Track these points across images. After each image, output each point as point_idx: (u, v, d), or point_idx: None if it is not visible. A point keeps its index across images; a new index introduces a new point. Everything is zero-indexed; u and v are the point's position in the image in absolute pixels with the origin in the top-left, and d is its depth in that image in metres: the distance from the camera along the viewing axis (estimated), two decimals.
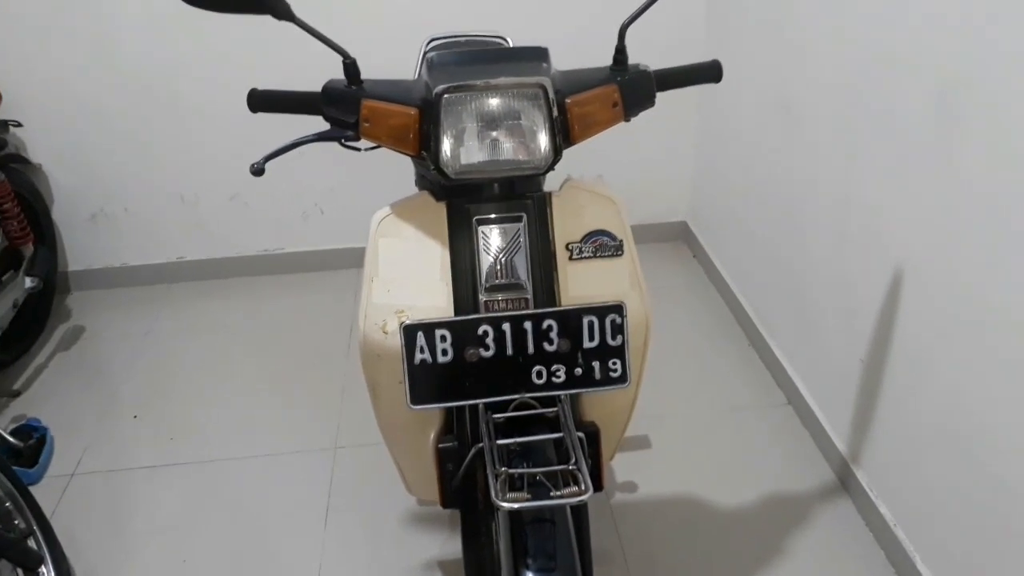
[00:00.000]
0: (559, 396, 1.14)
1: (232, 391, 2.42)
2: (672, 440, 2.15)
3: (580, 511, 1.19)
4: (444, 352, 1.07)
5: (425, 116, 1.10)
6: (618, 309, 1.09)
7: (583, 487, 1.01)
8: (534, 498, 1.00)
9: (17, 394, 2.43)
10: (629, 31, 1.14)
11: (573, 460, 1.05)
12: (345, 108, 1.13)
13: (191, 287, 3.00)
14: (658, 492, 1.98)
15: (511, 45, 1.86)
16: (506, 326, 1.07)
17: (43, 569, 1.66)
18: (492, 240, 1.15)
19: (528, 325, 1.08)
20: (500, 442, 1.09)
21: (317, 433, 2.22)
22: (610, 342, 1.09)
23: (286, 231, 3.00)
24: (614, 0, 1.65)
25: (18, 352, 2.55)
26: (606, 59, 1.18)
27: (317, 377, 2.45)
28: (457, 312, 1.15)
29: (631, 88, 1.15)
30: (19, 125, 2.62)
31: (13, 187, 2.45)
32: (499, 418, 1.14)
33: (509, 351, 1.08)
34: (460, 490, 1.27)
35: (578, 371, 1.09)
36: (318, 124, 1.19)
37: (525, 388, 1.09)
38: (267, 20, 1.11)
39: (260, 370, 2.51)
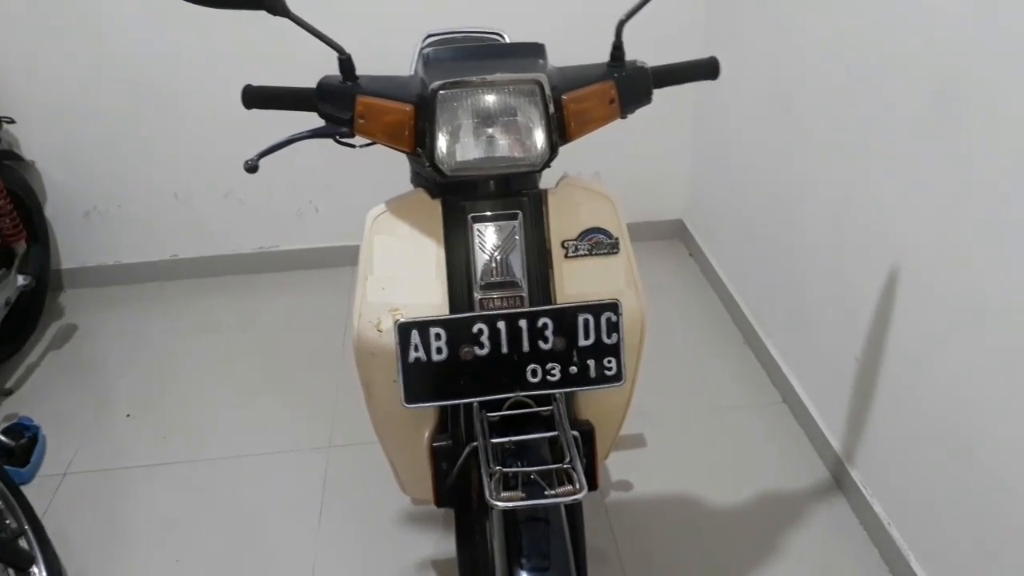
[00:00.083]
0: (554, 395, 1.13)
1: (226, 389, 2.41)
2: (667, 439, 2.14)
3: (575, 510, 1.19)
4: (439, 350, 1.06)
5: (421, 113, 1.09)
6: (613, 307, 1.08)
7: (578, 486, 1.00)
8: (528, 497, 1.00)
9: (9, 393, 2.42)
10: (626, 27, 1.14)
11: (568, 459, 1.04)
12: (340, 104, 1.12)
13: (185, 285, 2.98)
14: (653, 491, 1.98)
15: (507, 41, 1.85)
16: (501, 324, 1.07)
17: (34, 569, 1.65)
18: (487, 238, 1.15)
19: (523, 323, 1.07)
20: (494, 441, 1.08)
21: (311, 432, 2.22)
22: (605, 340, 1.09)
23: (281, 228, 2.99)
24: None
25: (10, 350, 2.54)
26: (603, 55, 1.18)
27: (311, 375, 2.45)
28: (452, 310, 1.15)
29: (628, 85, 1.15)
30: (12, 122, 2.61)
31: (6, 184, 2.43)
32: (494, 417, 1.13)
33: (504, 349, 1.07)
34: (454, 489, 1.26)
35: (573, 369, 1.09)
36: (313, 121, 1.19)
37: (520, 386, 1.09)
38: (262, 15, 1.10)
39: (254, 368, 2.50)
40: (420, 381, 1.07)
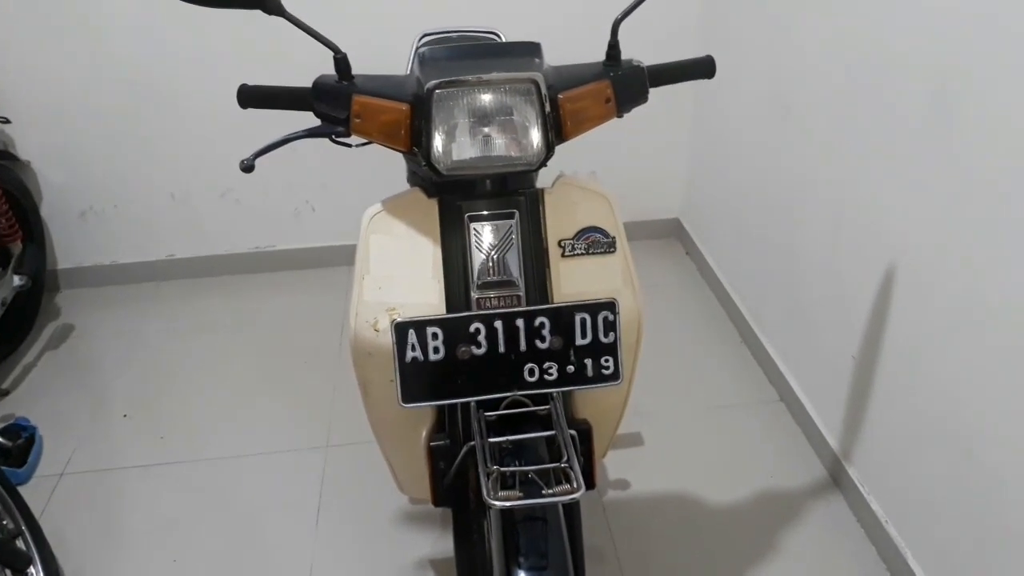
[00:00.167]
0: (551, 394, 1.13)
1: (223, 389, 2.41)
2: (664, 437, 2.15)
3: (572, 509, 1.19)
4: (436, 350, 1.06)
5: (417, 112, 1.09)
6: (610, 306, 1.08)
7: (575, 485, 1.00)
8: (526, 496, 1.00)
9: (6, 393, 2.41)
10: (622, 26, 1.13)
11: (565, 458, 1.04)
12: (336, 104, 1.12)
13: (182, 285, 2.98)
14: (650, 489, 1.98)
15: (503, 40, 1.85)
16: (498, 323, 1.07)
17: (32, 570, 1.65)
18: (484, 237, 1.15)
19: (520, 322, 1.07)
20: (492, 440, 1.08)
21: (308, 431, 2.21)
22: (602, 339, 1.09)
23: (277, 228, 2.98)
24: None
25: (7, 351, 2.53)
26: (599, 54, 1.18)
27: (308, 375, 2.44)
28: (449, 309, 1.14)
29: (624, 84, 1.15)
30: (7, 121, 2.60)
31: (1, 184, 2.43)
32: (491, 416, 1.13)
33: (501, 349, 1.07)
34: (452, 488, 1.26)
35: (570, 368, 1.09)
36: (309, 120, 1.18)
37: (517, 386, 1.09)
38: (257, 15, 1.10)
39: (251, 368, 2.50)
40: (417, 381, 1.07)
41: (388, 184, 1.71)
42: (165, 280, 3.00)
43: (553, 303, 1.15)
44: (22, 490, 1.73)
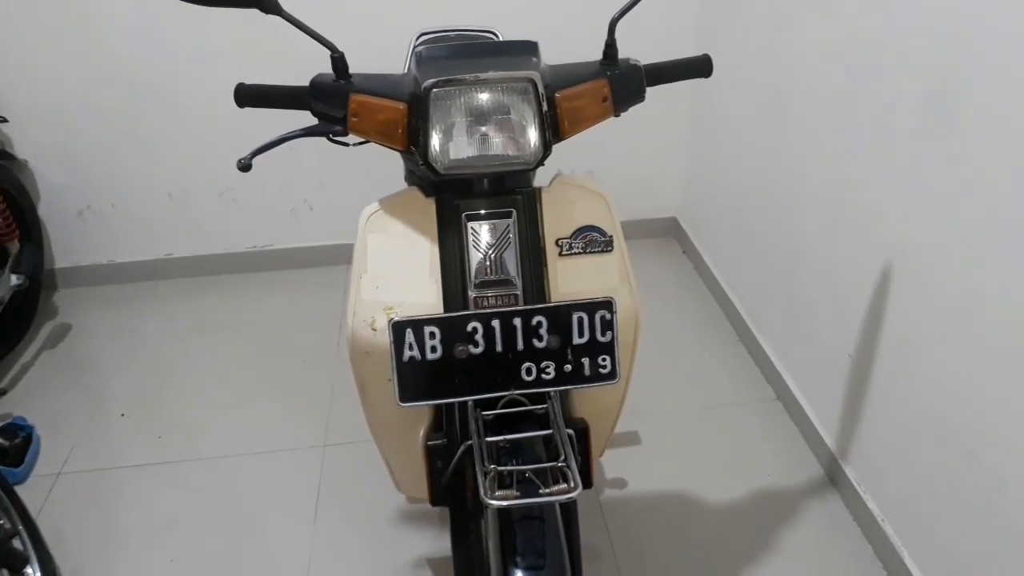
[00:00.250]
0: (548, 393, 1.13)
1: (221, 388, 2.41)
2: (661, 436, 2.15)
3: (569, 508, 1.19)
4: (433, 349, 1.06)
5: (414, 111, 1.09)
6: (608, 305, 1.08)
7: (572, 484, 1.00)
8: (523, 495, 1.00)
9: (3, 392, 2.41)
10: (619, 25, 1.14)
11: (562, 457, 1.05)
12: (333, 103, 1.12)
13: (179, 284, 2.98)
14: (647, 488, 1.98)
15: (501, 39, 1.85)
16: (495, 323, 1.07)
17: (29, 570, 1.65)
18: (481, 236, 1.15)
19: (518, 322, 1.07)
20: (489, 439, 1.09)
21: (306, 430, 2.21)
22: (600, 338, 1.09)
23: (275, 227, 2.98)
24: None
25: (4, 350, 2.53)
26: (596, 53, 1.18)
27: (306, 374, 2.44)
28: (446, 309, 1.14)
29: (621, 83, 1.15)
30: (4, 121, 2.60)
31: None
32: (488, 415, 1.13)
33: (498, 348, 1.07)
34: (449, 487, 1.26)
35: (568, 367, 1.09)
36: (306, 119, 1.18)
37: (514, 385, 1.09)
38: (255, 14, 1.10)
39: (249, 367, 2.49)
40: (415, 380, 1.07)
41: (386, 183, 1.71)
42: (163, 279, 3.00)
43: (550, 302, 1.15)
44: (19, 489, 1.73)
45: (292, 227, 2.98)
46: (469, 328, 1.07)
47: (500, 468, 1.04)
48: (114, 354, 2.59)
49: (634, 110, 1.20)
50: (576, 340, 1.09)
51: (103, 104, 2.66)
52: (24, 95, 2.62)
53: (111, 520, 1.96)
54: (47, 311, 2.83)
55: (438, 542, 1.85)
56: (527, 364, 1.08)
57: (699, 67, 1.21)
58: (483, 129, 1.09)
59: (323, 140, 1.38)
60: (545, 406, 1.14)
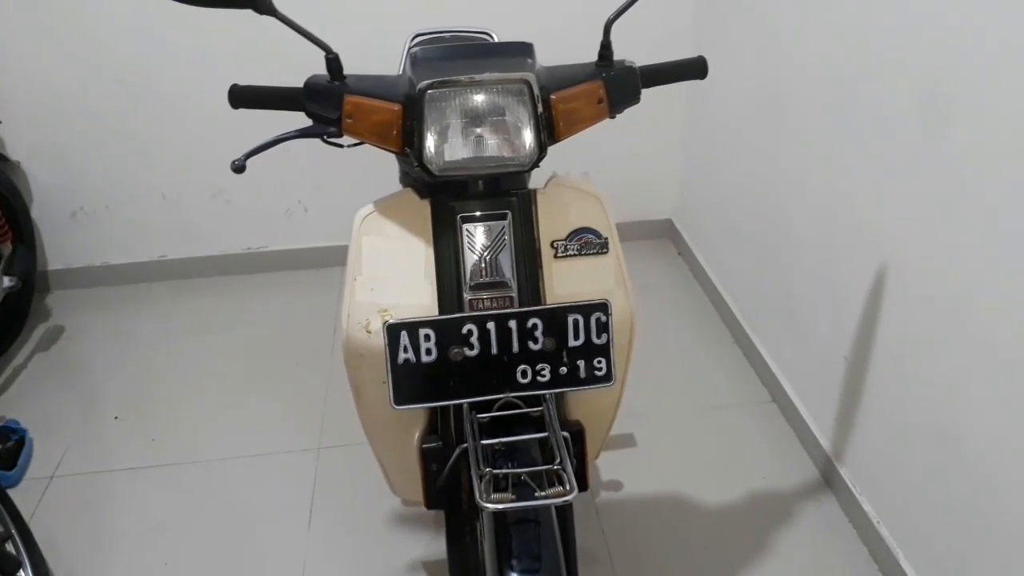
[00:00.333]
0: (544, 395, 1.13)
1: (215, 391, 2.40)
2: (657, 438, 2.15)
3: (565, 511, 1.19)
4: (428, 351, 1.06)
5: (409, 112, 1.08)
6: (603, 307, 1.08)
7: (568, 487, 1.00)
8: (519, 499, 0.99)
9: None
10: (615, 27, 1.13)
11: (558, 460, 1.04)
12: (327, 104, 1.11)
13: (173, 286, 2.97)
14: (643, 491, 1.98)
15: (496, 40, 1.85)
16: (491, 325, 1.06)
17: (21, 574, 1.64)
18: (477, 238, 1.14)
19: (513, 324, 1.07)
20: (485, 442, 1.08)
21: (301, 433, 2.21)
22: (595, 340, 1.08)
23: (269, 229, 2.97)
24: None
25: None
26: (592, 55, 1.17)
27: (300, 376, 2.44)
28: (441, 311, 1.14)
29: (616, 84, 1.15)
30: None
31: None
32: (484, 418, 1.13)
33: (494, 350, 1.07)
34: (444, 491, 1.26)
35: (563, 370, 1.09)
36: (301, 120, 1.18)
37: (510, 387, 1.09)
38: (249, 15, 1.09)
39: (243, 370, 2.49)
40: (409, 382, 1.06)
41: (380, 185, 1.70)
42: (157, 281, 2.99)
43: (546, 304, 1.15)
44: (12, 493, 1.72)
45: (286, 229, 2.97)
46: (464, 330, 1.06)
47: (495, 471, 1.03)
48: (107, 356, 2.58)
49: (629, 112, 1.20)
50: (571, 342, 1.08)
51: (96, 105, 2.65)
52: (17, 96, 2.61)
53: (105, 523, 1.95)
54: (40, 313, 2.82)
55: (433, 545, 1.85)
56: (522, 367, 1.08)
57: (695, 69, 1.21)
58: (478, 131, 1.09)
59: (318, 141, 1.38)
60: (540, 409, 1.14)
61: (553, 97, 1.10)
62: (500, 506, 0.99)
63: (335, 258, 2.97)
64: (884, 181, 1.64)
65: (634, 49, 1.41)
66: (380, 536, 1.88)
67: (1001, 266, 1.32)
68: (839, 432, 1.92)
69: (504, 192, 1.17)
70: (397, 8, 2.58)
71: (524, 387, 1.09)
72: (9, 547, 1.66)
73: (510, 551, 1.01)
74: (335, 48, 1.11)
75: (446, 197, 1.16)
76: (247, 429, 2.23)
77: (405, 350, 1.05)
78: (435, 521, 1.90)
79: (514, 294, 1.15)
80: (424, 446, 1.25)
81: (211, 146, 2.75)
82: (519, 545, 1.02)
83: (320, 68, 1.13)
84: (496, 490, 1.01)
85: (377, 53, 2.09)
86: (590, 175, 2.94)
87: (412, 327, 1.05)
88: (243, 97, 1.15)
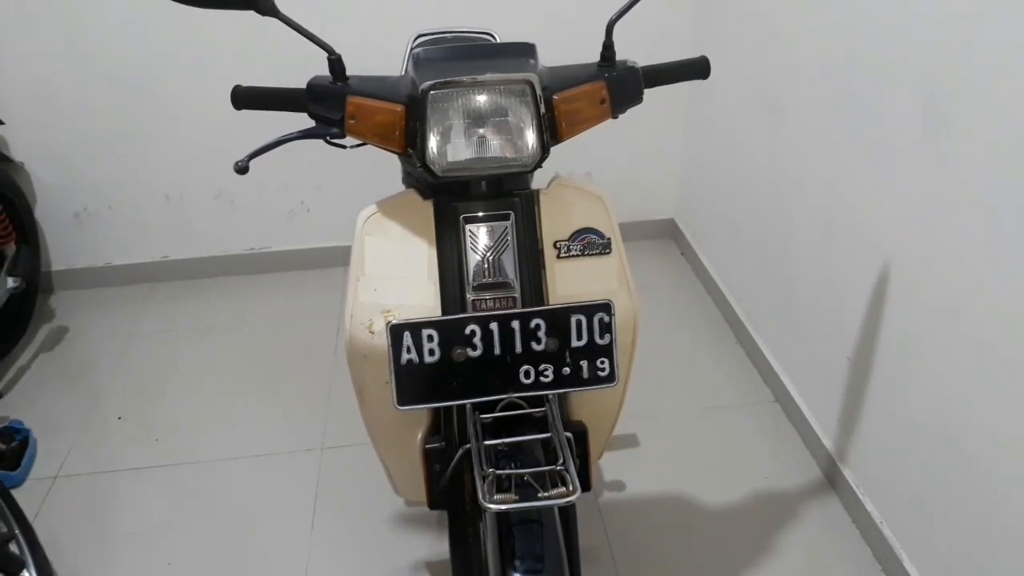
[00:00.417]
0: (547, 396, 1.13)
1: (218, 391, 2.40)
2: (660, 439, 2.14)
3: (568, 512, 1.19)
4: (431, 352, 1.06)
5: (411, 113, 1.08)
6: (606, 307, 1.08)
7: (571, 488, 1.00)
8: (521, 499, 0.99)
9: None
10: (616, 27, 1.13)
11: (561, 460, 1.04)
12: (330, 105, 1.12)
13: (176, 286, 2.97)
14: (646, 491, 1.98)
15: (498, 41, 1.85)
16: (494, 325, 1.06)
17: (25, 574, 1.64)
18: (479, 238, 1.14)
19: (516, 324, 1.07)
20: (488, 443, 1.08)
21: (304, 433, 2.21)
22: (598, 341, 1.08)
23: (272, 229, 2.98)
24: None
25: (0, 353, 2.52)
26: (593, 55, 1.17)
27: (303, 377, 2.44)
28: (444, 311, 1.14)
29: (619, 85, 1.15)
30: (1, 123, 2.59)
31: None
32: (487, 418, 1.13)
33: (497, 351, 1.07)
34: (447, 491, 1.26)
35: (566, 370, 1.09)
36: (303, 121, 1.18)
37: (513, 388, 1.09)
38: (252, 15, 1.10)
39: (246, 370, 2.49)
40: (412, 383, 1.06)
41: (383, 185, 1.70)
42: (159, 282, 2.99)
43: (549, 305, 1.15)
44: (16, 493, 1.73)
45: (289, 229, 2.98)
46: (467, 331, 1.06)
47: (498, 471, 1.03)
48: (111, 357, 2.58)
49: (631, 112, 1.20)
50: (574, 343, 1.08)
51: (100, 106, 2.66)
52: (20, 97, 2.61)
53: (108, 523, 1.96)
54: (43, 314, 2.82)
55: (436, 546, 1.85)
56: (525, 367, 1.08)
57: (697, 69, 1.21)
58: (481, 131, 1.09)
59: (320, 142, 1.38)
60: (543, 409, 1.14)
61: (555, 97, 1.11)
62: (503, 507, 0.99)
63: (338, 258, 2.97)
64: (884, 181, 1.64)
65: (634, 49, 1.41)
66: (383, 536, 1.88)
67: (1001, 266, 1.32)
68: (842, 432, 1.91)
69: (507, 193, 1.17)
70: (399, 9, 2.58)
71: (527, 388, 1.09)
72: (13, 547, 1.66)
73: (513, 552, 1.01)
74: (337, 49, 1.11)
75: (449, 197, 1.16)
76: (250, 429, 2.24)
77: (408, 351, 1.05)
78: (438, 522, 1.90)
79: (517, 294, 1.15)
80: (427, 446, 1.25)
81: (214, 147, 2.76)
82: (522, 546, 1.02)
83: (322, 69, 1.13)
84: (499, 491, 1.01)
85: (379, 54, 2.09)
86: (592, 175, 2.95)
87: (415, 328, 1.05)
88: (246, 98, 1.15)
